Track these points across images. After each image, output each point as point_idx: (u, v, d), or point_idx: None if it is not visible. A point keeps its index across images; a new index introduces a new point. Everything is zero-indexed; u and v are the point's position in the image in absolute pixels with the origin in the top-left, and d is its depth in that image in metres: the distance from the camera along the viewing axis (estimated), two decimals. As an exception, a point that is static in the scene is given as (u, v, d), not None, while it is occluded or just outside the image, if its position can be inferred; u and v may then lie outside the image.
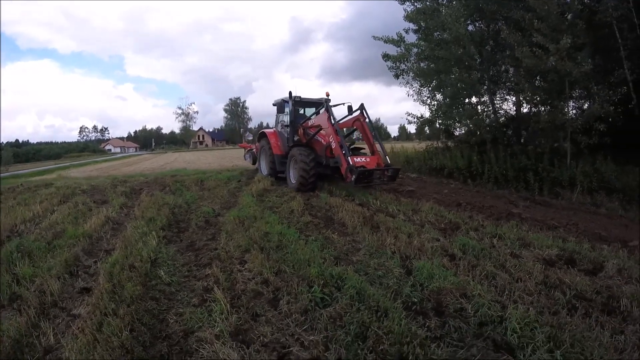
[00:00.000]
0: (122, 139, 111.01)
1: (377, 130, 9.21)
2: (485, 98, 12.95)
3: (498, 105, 13.06)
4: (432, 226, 5.57)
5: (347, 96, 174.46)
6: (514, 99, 12.77)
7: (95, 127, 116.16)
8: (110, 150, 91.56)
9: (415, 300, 3.12)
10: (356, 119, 9.56)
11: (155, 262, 4.24)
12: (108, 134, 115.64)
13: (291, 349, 2.49)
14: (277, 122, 12.40)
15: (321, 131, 9.85)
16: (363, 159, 8.71)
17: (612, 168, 9.33)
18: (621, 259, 4.33)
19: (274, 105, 12.18)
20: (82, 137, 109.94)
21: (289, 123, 11.15)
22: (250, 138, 16.70)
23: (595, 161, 9.64)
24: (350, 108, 10.56)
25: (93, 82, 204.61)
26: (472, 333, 2.67)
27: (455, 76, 11.36)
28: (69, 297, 3.64)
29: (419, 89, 13.58)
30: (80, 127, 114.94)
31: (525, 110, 12.39)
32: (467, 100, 12.68)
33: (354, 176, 7.91)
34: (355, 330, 2.60)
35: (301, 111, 11.71)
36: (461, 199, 8.25)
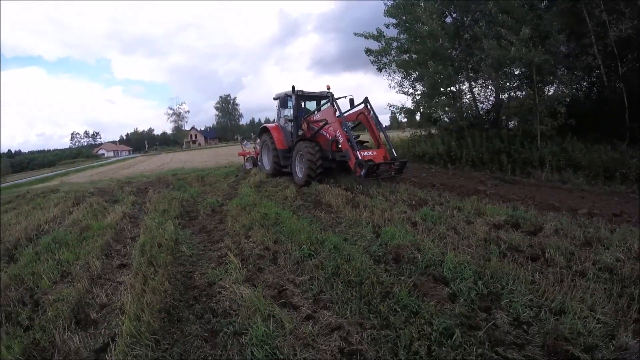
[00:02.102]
0: (114, 142, 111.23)
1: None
2: (466, 86, 13.99)
3: (478, 93, 14.09)
4: (404, 203, 6.61)
5: (338, 87, 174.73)
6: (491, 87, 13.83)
7: (86, 133, 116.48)
8: (103, 154, 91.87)
9: (380, 253, 4.17)
10: (360, 112, 9.72)
11: (177, 241, 5.24)
12: (100, 138, 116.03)
13: (286, 287, 3.52)
14: (279, 116, 12.48)
15: (326, 125, 9.80)
16: (370, 153, 8.83)
17: (579, 147, 10.34)
18: (560, 222, 5.33)
19: (275, 99, 12.32)
20: (74, 144, 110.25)
21: (292, 117, 11.21)
22: (248, 146, 17.34)
23: (564, 142, 10.66)
24: (352, 101, 10.59)
25: (81, 87, 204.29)
26: (419, 272, 3.69)
27: (432, 68, 12.31)
28: (110, 271, 4.61)
29: (401, 81, 14.53)
30: (72, 134, 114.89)
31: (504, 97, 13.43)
32: (445, 89, 13.67)
33: (363, 170, 8.03)
34: (331, 270, 3.63)
35: (302, 105, 11.79)
36: (436, 180, 9.31)
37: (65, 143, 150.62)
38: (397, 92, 14.76)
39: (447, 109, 12.89)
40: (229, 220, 6.16)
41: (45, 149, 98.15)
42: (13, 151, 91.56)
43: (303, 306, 3.15)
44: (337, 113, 9.03)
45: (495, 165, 11.23)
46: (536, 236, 4.80)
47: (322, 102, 11.24)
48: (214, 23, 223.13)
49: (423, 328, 2.61)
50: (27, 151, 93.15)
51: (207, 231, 5.94)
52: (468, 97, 14.08)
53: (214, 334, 2.88)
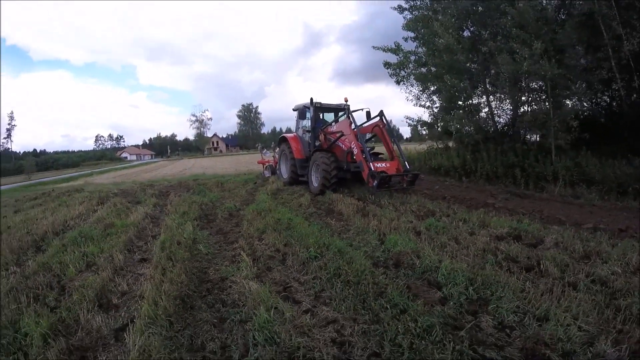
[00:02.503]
0: (137, 146, 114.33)
1: (390, 133, 9.87)
2: (483, 100, 14.14)
3: (496, 106, 14.21)
4: (412, 213, 6.87)
5: (360, 98, 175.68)
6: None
7: (110, 136, 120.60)
8: (126, 157, 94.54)
9: (382, 258, 4.47)
10: (375, 124, 9.96)
11: (195, 240, 5.64)
12: (123, 142, 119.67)
13: (291, 284, 3.85)
14: (297, 127, 12.88)
15: (342, 137, 10.19)
16: (383, 165, 9.12)
17: (593, 162, 10.37)
18: (562, 236, 5.49)
19: (294, 110, 12.72)
20: (98, 146, 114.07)
21: (310, 128, 11.60)
22: (268, 155, 17.91)
23: (578, 156, 10.70)
24: (368, 114, 11.03)
25: (106, 92, 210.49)
26: (415, 277, 3.96)
27: (448, 82, 12.54)
28: (131, 264, 5.03)
29: (418, 94, 14.78)
30: (96, 136, 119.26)
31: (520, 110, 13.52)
32: (462, 103, 13.85)
33: (375, 181, 8.29)
34: (333, 271, 3.94)
35: (321, 116, 12.24)
36: (447, 193, 9.50)
37: (89, 145, 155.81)
38: (414, 105, 15.02)
39: (463, 121, 13.01)
40: (245, 224, 6.55)
41: (70, 150, 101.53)
42: (38, 150, 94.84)
43: (304, 301, 3.47)
44: (353, 125, 9.41)
45: (509, 179, 11.30)
46: (536, 248, 4.98)
47: (340, 114, 11.59)
48: (239, 33, 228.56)
49: (409, 324, 2.88)
50: (52, 151, 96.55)
51: (224, 233, 6.35)
52: (485, 110, 14.24)
53: (222, 321, 3.23)
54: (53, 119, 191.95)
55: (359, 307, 3.26)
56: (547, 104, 11.47)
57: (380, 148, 11.60)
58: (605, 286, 3.73)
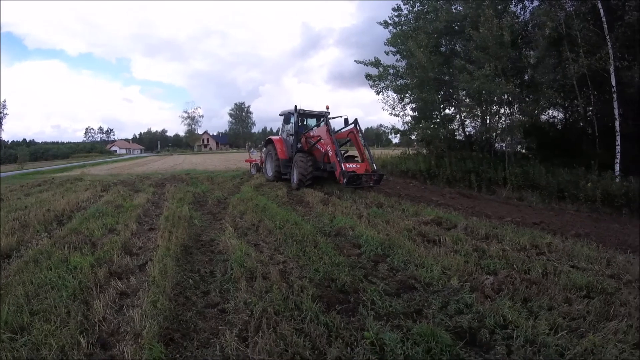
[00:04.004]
0: (127, 140, 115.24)
1: (378, 137, 11.75)
2: (454, 111, 16.14)
3: (465, 117, 16.16)
4: (364, 205, 8.73)
5: (354, 102, 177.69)
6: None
7: (101, 128, 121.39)
8: (116, 151, 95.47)
9: (326, 230, 6.35)
10: (350, 131, 11.52)
11: (191, 217, 7.45)
12: (113, 135, 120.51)
13: (259, 243, 5.69)
14: (282, 130, 14.61)
15: (321, 140, 11.75)
16: (354, 165, 10.60)
17: (539, 170, 12.24)
18: (473, 223, 7.32)
19: (280, 115, 14.54)
20: (88, 138, 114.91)
21: (293, 132, 13.20)
22: (255, 154, 19.55)
23: (527, 164, 12.62)
24: (346, 121, 12.39)
25: (100, 84, 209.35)
26: (345, 241, 5.82)
27: (417, 95, 14.45)
28: (143, 232, 6.78)
29: (393, 104, 16.68)
30: (86, 128, 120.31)
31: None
32: (436, 114, 15.78)
33: (345, 179, 9.83)
34: (289, 235, 5.82)
35: (304, 121, 13.81)
36: (404, 192, 11.39)
37: (78, 137, 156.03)
38: (389, 114, 16.93)
39: (427, 131, 14.92)
40: (230, 208, 8.39)
41: (59, 141, 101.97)
42: (28, 140, 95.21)
43: (266, 251, 5.33)
44: (329, 131, 11.01)
45: (466, 183, 13.24)
46: (448, 230, 6.81)
47: (321, 119, 12.82)
48: (239, 32, 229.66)
49: (327, 263, 4.70)
50: (41, 141, 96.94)
51: (213, 213, 8.21)
52: (457, 121, 16.23)
53: (211, 259, 5.09)
54: (45, 109, 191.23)
55: (300, 254, 5.10)
56: (500, 117, 13.48)
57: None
58: (483, 253, 5.42)
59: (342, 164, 10.22)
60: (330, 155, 10.88)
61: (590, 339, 3.05)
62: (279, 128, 16.13)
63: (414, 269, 4.78)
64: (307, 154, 12.32)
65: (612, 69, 11.04)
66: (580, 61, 11.21)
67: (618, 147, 11.26)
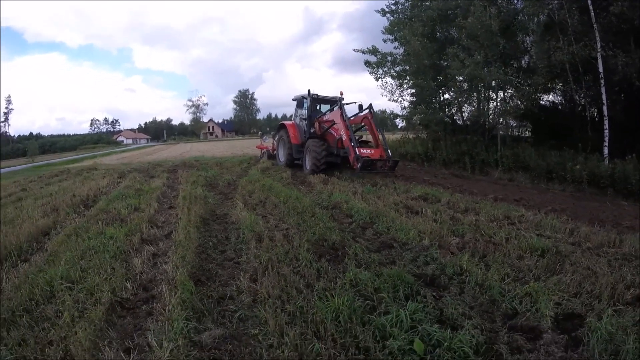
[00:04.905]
0: (133, 130, 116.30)
1: (384, 122, 11.89)
2: (452, 95, 16.92)
3: (462, 101, 16.94)
4: (361, 184, 9.69)
5: (358, 87, 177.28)
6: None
7: (106, 120, 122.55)
8: (122, 141, 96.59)
9: (324, 204, 7.36)
10: (365, 116, 11.60)
11: (205, 197, 8.47)
12: (119, 125, 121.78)
13: (266, 215, 6.70)
14: (295, 115, 14.53)
15: (334, 125, 11.72)
16: (368, 151, 10.68)
17: (529, 152, 13.07)
18: (455, 198, 8.28)
19: (293, 100, 14.58)
20: (94, 129, 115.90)
21: (306, 117, 13.24)
22: (267, 141, 20.31)
23: (518, 146, 13.46)
24: (360, 107, 12.40)
25: (102, 75, 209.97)
26: (340, 212, 6.81)
27: (417, 82, 15.27)
28: (163, 210, 7.82)
29: (392, 90, 17.50)
30: (92, 120, 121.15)
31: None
32: (429, 100, 16.59)
33: (359, 164, 9.85)
34: (291, 208, 6.82)
35: (317, 107, 13.73)
36: (400, 172, 12.34)
37: (84, 129, 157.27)
38: (388, 99, 17.76)
39: (423, 116, 15.76)
40: (239, 188, 9.44)
41: (65, 134, 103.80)
42: (34, 134, 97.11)
43: (271, 221, 6.34)
44: (344, 116, 11.15)
45: (461, 165, 14.13)
46: (433, 204, 7.77)
47: (334, 105, 12.63)
48: (239, 18, 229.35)
49: (321, 227, 5.70)
50: (47, 134, 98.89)
51: (225, 193, 9.29)
52: (455, 105, 17.03)
53: (225, 228, 6.15)
54: (48, 102, 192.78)
55: (300, 222, 6.11)
56: (493, 102, 14.29)
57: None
58: (457, 221, 6.40)
59: (357, 149, 10.45)
60: (344, 139, 10.96)
61: (531, 285, 3.79)
62: (284, 114, 16.90)
63: (395, 233, 5.74)
64: (320, 139, 12.42)
65: (599, 57, 11.67)
66: (570, 49, 11.86)
67: (606, 131, 11.88)
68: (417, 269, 4.43)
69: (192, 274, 4.21)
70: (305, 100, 13.62)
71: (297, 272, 4.20)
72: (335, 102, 12.36)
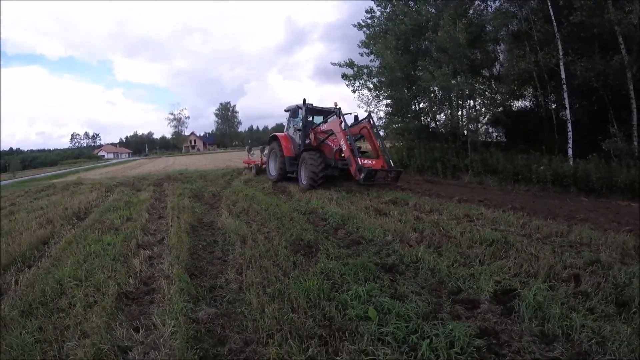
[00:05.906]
0: (114, 145, 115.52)
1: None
2: (425, 105, 17.96)
3: (436, 110, 17.98)
4: (336, 192, 10.50)
5: (339, 96, 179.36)
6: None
7: (86, 134, 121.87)
8: (103, 156, 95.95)
9: (302, 210, 8.18)
10: (363, 126, 11.44)
11: (192, 207, 9.17)
12: (100, 140, 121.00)
13: (249, 221, 7.46)
14: (288, 126, 14.14)
15: (332, 136, 11.31)
16: (370, 162, 10.40)
17: (497, 156, 14.01)
18: (421, 200, 9.14)
19: (286, 111, 14.20)
20: (74, 144, 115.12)
21: (301, 128, 12.65)
22: (255, 156, 20.82)
23: (487, 152, 14.43)
24: (356, 117, 12.36)
25: (82, 88, 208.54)
26: (316, 217, 7.61)
27: (388, 93, 16.25)
28: (154, 219, 8.50)
29: (368, 101, 18.45)
30: (72, 134, 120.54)
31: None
32: (404, 110, 17.58)
33: (362, 175, 9.61)
34: (271, 214, 7.59)
35: (310, 119, 13.08)
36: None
37: (64, 143, 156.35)
38: (365, 110, 18.72)
39: (399, 126, 16.73)
40: (224, 199, 10.19)
41: (45, 149, 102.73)
42: (14, 149, 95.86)
43: (254, 226, 7.09)
44: (343, 125, 10.80)
45: (434, 171, 15.06)
46: (401, 207, 8.60)
47: (329, 116, 12.25)
48: (221, 28, 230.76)
49: (298, 229, 6.49)
50: (26, 149, 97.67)
51: (210, 204, 10.03)
52: (430, 114, 18.05)
53: (213, 233, 6.91)
54: (28, 116, 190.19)
55: (280, 226, 6.90)
56: (463, 110, 15.34)
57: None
58: (420, 220, 7.21)
59: (359, 159, 10.21)
60: (344, 150, 10.54)
61: (475, 268, 4.60)
62: (265, 126, 17.54)
63: (363, 232, 6.54)
64: (316, 151, 11.89)
65: (561, 63, 12.69)
66: (535, 57, 12.91)
67: (570, 133, 12.83)
68: (379, 259, 5.23)
69: (187, 269, 4.94)
70: (300, 110, 13.12)
71: (277, 264, 4.97)
72: (331, 112, 12.15)
